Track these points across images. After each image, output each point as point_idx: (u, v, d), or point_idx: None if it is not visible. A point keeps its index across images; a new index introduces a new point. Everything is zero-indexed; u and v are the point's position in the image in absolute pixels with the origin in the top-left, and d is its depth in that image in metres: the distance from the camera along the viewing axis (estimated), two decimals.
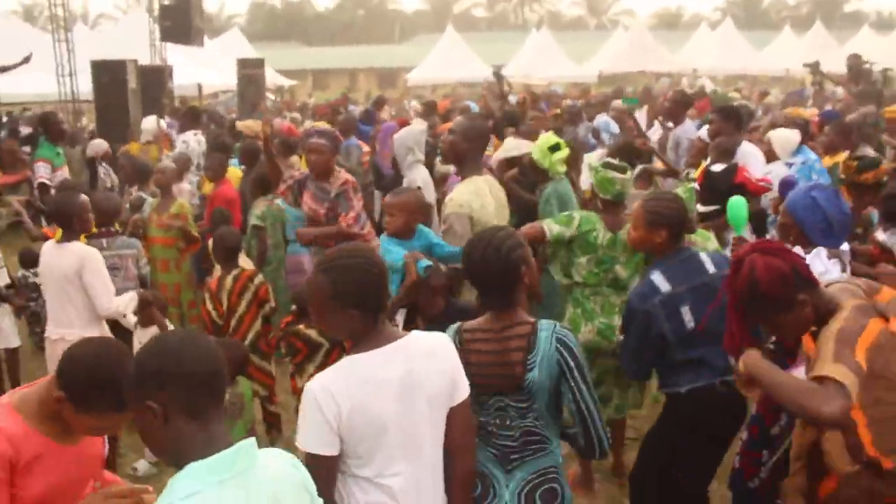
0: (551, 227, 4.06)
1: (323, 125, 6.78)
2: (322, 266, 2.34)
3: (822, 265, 3.66)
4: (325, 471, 2.20)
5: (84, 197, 4.62)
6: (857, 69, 12.10)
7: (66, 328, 4.41)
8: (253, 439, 1.78)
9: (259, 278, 5.05)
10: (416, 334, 2.42)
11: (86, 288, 4.36)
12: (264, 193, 6.46)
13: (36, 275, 6.49)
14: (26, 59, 11.88)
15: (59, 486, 2.29)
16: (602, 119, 9.70)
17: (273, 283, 5.71)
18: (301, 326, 4.41)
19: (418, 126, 6.70)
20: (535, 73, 27.67)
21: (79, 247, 4.44)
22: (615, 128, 9.37)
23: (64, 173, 7.97)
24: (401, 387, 2.27)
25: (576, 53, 31.44)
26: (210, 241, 6.13)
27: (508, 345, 2.59)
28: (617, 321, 4.08)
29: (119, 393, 2.13)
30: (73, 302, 4.40)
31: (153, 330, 4.67)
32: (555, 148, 5.51)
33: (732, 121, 6.14)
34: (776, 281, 2.49)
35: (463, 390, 2.42)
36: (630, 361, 3.56)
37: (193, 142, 8.82)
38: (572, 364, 2.58)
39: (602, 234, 4.08)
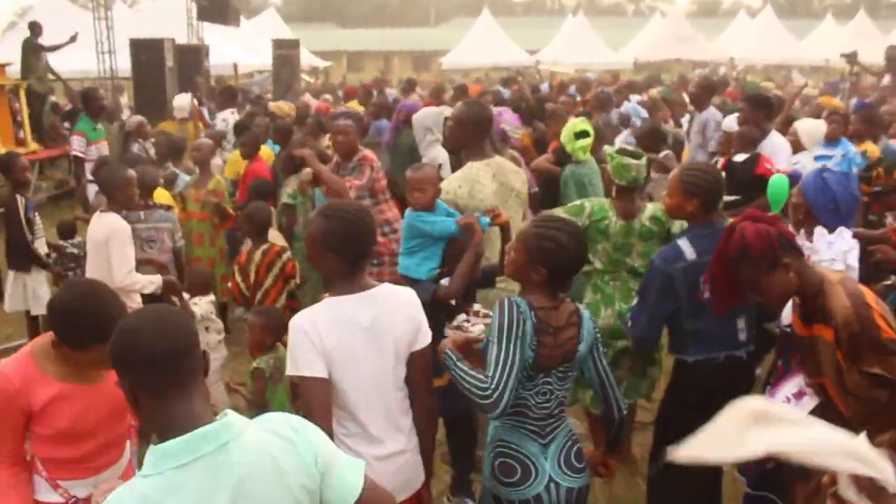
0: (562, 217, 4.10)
1: (352, 106, 6.92)
2: (322, 211, 2.64)
3: (846, 243, 3.76)
4: (321, 395, 2.45)
5: (130, 172, 4.76)
6: (895, 60, 11.88)
7: None
8: (230, 417, 1.72)
9: (287, 254, 5.15)
10: (385, 286, 2.69)
11: (110, 258, 4.52)
12: (295, 172, 6.57)
13: (74, 245, 6.72)
14: (73, 39, 12.18)
15: (86, 420, 2.48)
16: (631, 105, 9.69)
17: (303, 259, 5.83)
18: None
19: (437, 108, 6.77)
20: (569, 58, 27.53)
21: (111, 218, 4.61)
22: (644, 113, 9.35)
23: (101, 148, 8.16)
24: (371, 329, 2.57)
25: (612, 40, 31.15)
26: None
27: (567, 320, 2.73)
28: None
29: (96, 325, 2.32)
30: (101, 270, 4.53)
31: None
32: (581, 134, 5.57)
33: (762, 110, 6.11)
34: (763, 242, 2.73)
35: (425, 338, 2.72)
36: (638, 325, 3.56)
37: (231, 119, 9.00)
38: (599, 337, 2.83)
39: (614, 222, 4.09)
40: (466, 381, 2.60)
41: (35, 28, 12.19)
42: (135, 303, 4.59)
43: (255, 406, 4.00)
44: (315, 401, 2.43)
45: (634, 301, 3.63)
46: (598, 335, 2.83)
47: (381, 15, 65.98)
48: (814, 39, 29.78)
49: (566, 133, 5.59)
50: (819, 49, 27.69)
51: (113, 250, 4.51)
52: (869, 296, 2.63)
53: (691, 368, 3.44)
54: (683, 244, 3.42)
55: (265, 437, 1.74)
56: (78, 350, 2.39)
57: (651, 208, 4.18)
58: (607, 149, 4.37)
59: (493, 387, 2.56)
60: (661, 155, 6.44)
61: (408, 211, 4.06)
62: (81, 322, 2.36)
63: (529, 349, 2.63)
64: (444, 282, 3.85)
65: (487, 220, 3.75)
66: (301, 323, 2.49)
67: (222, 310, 5.92)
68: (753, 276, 2.77)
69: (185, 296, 4.86)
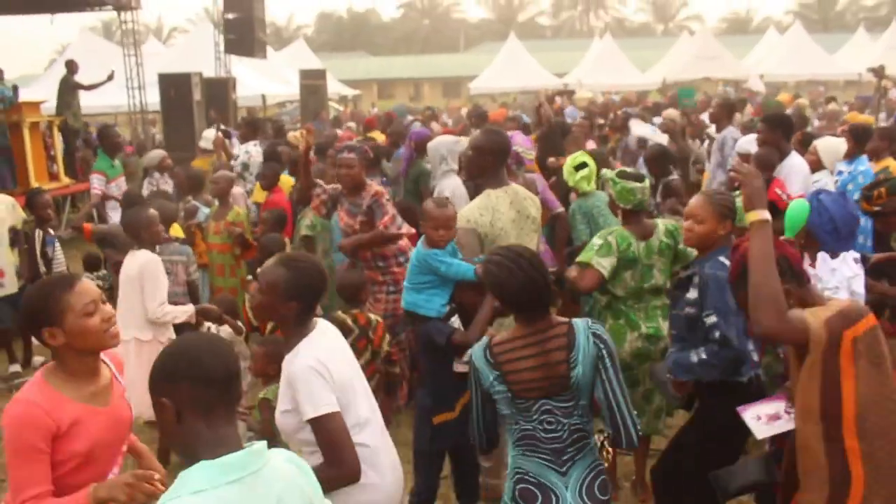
0: (602, 264, 4.03)
1: (374, 136, 6.95)
2: (282, 260, 2.75)
3: (850, 269, 3.64)
4: (343, 425, 2.57)
5: (152, 211, 4.86)
6: None
7: (137, 330, 4.65)
8: (264, 442, 1.82)
9: None
10: (320, 322, 2.82)
11: (143, 292, 4.61)
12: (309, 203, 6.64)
13: (99, 277, 6.86)
14: (110, 78, 12.56)
15: (99, 444, 2.48)
16: (650, 127, 9.62)
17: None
18: (344, 312, 4.56)
19: (453, 137, 6.76)
20: (597, 80, 27.51)
21: (143, 254, 4.73)
22: (662, 137, 9.25)
23: (120, 184, 8.31)
24: (344, 354, 2.82)
25: (640, 61, 31.10)
26: None
27: (548, 346, 2.70)
28: (662, 323, 4.12)
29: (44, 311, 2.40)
30: (134, 305, 4.65)
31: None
32: (581, 166, 5.55)
33: (779, 129, 6.00)
34: None
35: None
36: (737, 337, 3.38)
37: (255, 152, 9.11)
38: (606, 355, 2.71)
39: (636, 246, 4.10)
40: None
41: (71, 66, 12.59)
42: (165, 337, 4.68)
43: (264, 436, 3.99)
44: (341, 433, 2.56)
45: (712, 320, 3.42)
46: (604, 352, 2.71)
47: (411, 42, 66.68)
48: (845, 53, 29.40)
49: (566, 168, 5.60)
50: (851, 63, 27.31)
51: (146, 284, 4.62)
52: (863, 328, 2.51)
53: (734, 389, 3.35)
54: (724, 259, 3.34)
55: (285, 462, 1.89)
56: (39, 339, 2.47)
57: (662, 224, 4.22)
58: (607, 173, 4.35)
59: (472, 429, 2.92)
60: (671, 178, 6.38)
61: (421, 247, 4.01)
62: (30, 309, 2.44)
63: (497, 384, 2.69)
64: (455, 320, 3.84)
65: None
66: (312, 365, 2.59)
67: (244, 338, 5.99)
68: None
69: (208, 324, 4.92)
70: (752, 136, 6.53)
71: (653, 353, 4.13)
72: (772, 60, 28.16)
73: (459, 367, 3.65)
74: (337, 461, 2.51)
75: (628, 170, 4.41)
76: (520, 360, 2.69)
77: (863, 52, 27.32)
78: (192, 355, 1.80)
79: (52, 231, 6.43)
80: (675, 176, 6.74)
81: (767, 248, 2.54)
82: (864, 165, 6.04)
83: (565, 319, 2.79)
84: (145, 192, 8.38)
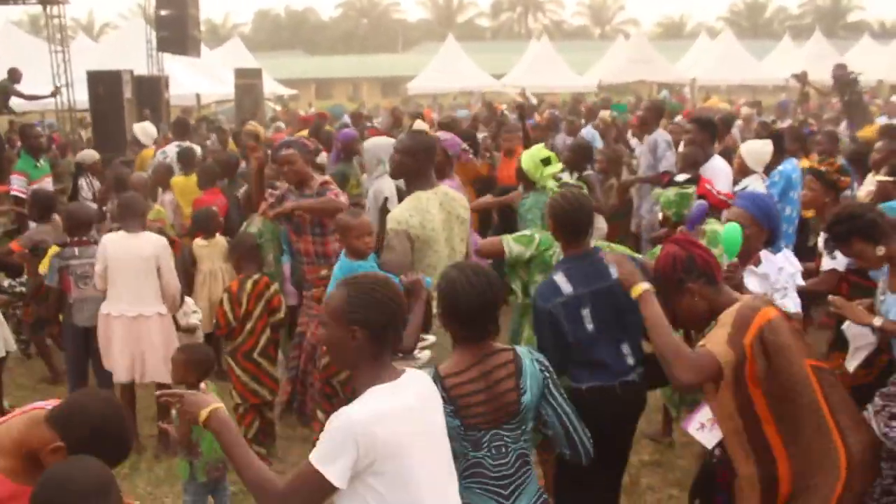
0: (511, 245, 4.02)
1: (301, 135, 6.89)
2: (345, 281, 2.39)
3: (792, 265, 3.88)
4: (320, 494, 2.20)
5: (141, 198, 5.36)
6: (842, 80, 12.08)
7: (158, 305, 5.18)
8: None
9: (274, 287, 5.16)
10: (407, 374, 2.39)
11: (162, 272, 5.12)
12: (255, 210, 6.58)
13: (22, 284, 6.61)
14: (53, 94, 12.20)
15: None
16: (588, 130, 9.74)
17: None
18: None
19: (388, 139, 6.73)
20: (533, 82, 27.77)
21: (149, 235, 5.24)
22: (599, 142, 9.36)
23: (45, 185, 8.01)
24: (419, 415, 2.32)
25: (576, 63, 31.49)
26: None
27: (496, 375, 2.67)
28: None
29: (120, 450, 2.25)
30: (150, 283, 5.11)
31: None
32: (546, 161, 5.50)
33: (707, 132, 6.18)
34: (667, 265, 2.82)
35: None
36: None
37: (172, 153, 8.86)
38: (551, 380, 2.75)
39: (558, 254, 3.99)
40: None
41: (14, 74, 12.40)
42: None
43: (181, 446, 3.89)
44: (315, 495, 2.20)
45: None
46: (549, 377, 2.75)
47: (350, 42, 66.27)
48: (772, 60, 30.33)
49: (530, 160, 5.44)
50: (778, 69, 28.18)
51: (166, 263, 5.15)
52: (754, 330, 2.61)
53: (585, 395, 3.29)
54: (559, 279, 3.38)
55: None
56: None
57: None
58: (551, 185, 4.38)
59: None
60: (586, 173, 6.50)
61: (344, 259, 3.95)
62: (113, 446, 2.24)
63: (451, 418, 2.55)
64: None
65: (429, 279, 3.61)
66: (356, 429, 2.17)
67: (208, 340, 5.84)
68: (664, 296, 2.82)
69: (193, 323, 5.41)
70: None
71: None
72: (704, 65, 28.87)
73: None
74: (280, 496, 2.19)
75: (570, 182, 4.38)
76: (472, 395, 2.64)
77: (788, 59, 28.27)
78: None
79: None
80: (590, 171, 6.84)
81: (657, 314, 2.75)
82: (792, 164, 6.22)
83: (506, 346, 2.77)
84: (86, 192, 8.14)
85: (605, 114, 10.39)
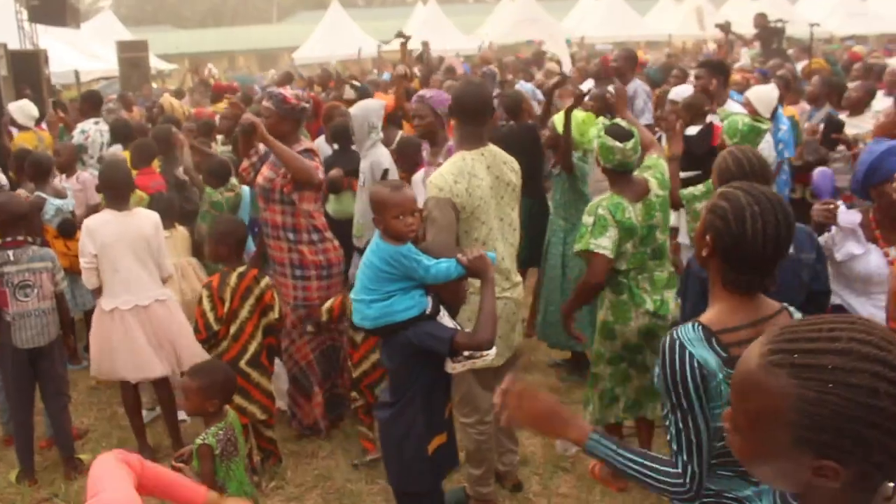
0: (602, 245, 3.61)
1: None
2: None
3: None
4: None
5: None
6: (766, 29, 12.27)
7: (157, 289, 4.70)
8: None
9: (266, 280, 4.40)
10: None
11: (158, 250, 4.68)
12: (223, 182, 5.99)
13: None
14: None
15: None
16: (528, 86, 9.48)
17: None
18: None
19: (378, 101, 5.93)
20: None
21: (145, 211, 4.81)
22: (540, 95, 9.11)
23: None
24: None
25: (464, 25, 31.27)
26: None
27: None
28: (667, 295, 3.82)
29: None
30: (152, 265, 4.67)
31: None
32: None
33: (722, 76, 5.86)
34: None
35: None
36: None
37: (93, 130, 7.99)
38: None
39: (632, 210, 3.73)
40: (646, 474, 1.94)
41: None
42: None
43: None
44: None
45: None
46: None
47: (220, 15, 63.50)
48: (654, 16, 31.02)
49: (579, 123, 5.08)
50: (660, 25, 28.91)
51: (162, 241, 4.74)
52: None
53: None
54: None
55: None
56: None
57: (652, 177, 3.86)
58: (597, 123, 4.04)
59: (688, 477, 1.95)
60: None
61: (379, 241, 3.05)
62: None
63: (726, 387, 1.90)
64: (445, 318, 3.09)
65: (493, 254, 3.12)
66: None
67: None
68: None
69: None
70: (686, 87, 6.40)
71: (661, 330, 3.73)
72: (589, 23, 29.21)
73: (457, 367, 3.03)
74: None
75: (623, 124, 3.94)
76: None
77: (668, 16, 29.01)
78: None
79: None
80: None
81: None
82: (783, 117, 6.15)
83: (775, 302, 2.14)
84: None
85: (550, 66, 10.14)
